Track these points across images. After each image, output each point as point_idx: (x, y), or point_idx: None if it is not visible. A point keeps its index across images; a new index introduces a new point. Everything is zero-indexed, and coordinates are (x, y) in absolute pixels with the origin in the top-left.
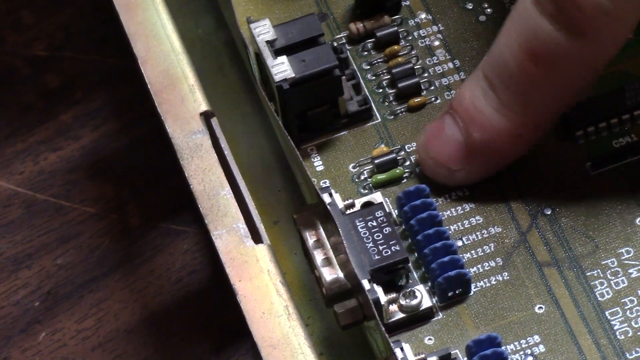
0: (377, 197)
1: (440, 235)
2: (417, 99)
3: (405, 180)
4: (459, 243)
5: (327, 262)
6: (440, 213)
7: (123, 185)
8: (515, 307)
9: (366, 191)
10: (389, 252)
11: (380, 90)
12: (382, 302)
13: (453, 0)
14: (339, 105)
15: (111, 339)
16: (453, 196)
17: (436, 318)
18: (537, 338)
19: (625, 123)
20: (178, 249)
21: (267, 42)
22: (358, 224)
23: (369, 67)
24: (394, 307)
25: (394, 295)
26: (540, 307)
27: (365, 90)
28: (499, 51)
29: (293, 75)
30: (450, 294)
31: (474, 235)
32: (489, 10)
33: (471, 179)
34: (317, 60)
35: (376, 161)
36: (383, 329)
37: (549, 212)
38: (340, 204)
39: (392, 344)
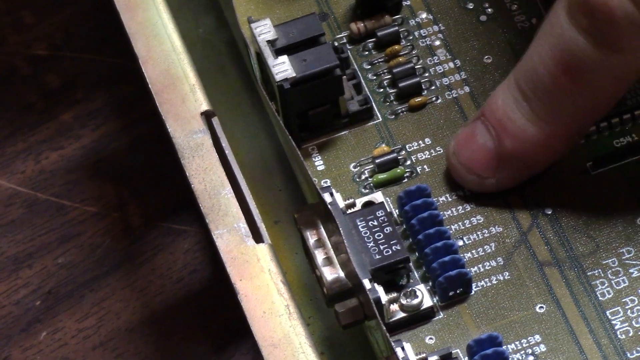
0: (378, 196)
1: (441, 234)
2: (418, 99)
3: (406, 179)
4: (460, 242)
5: (328, 261)
6: (441, 212)
7: (124, 184)
8: (516, 307)
9: (367, 191)
10: (390, 252)
11: (381, 89)
12: (383, 302)
13: (454, 0)
14: (339, 104)
15: (112, 338)
16: (454, 196)
17: (437, 317)
18: (538, 337)
19: (626, 122)
20: (179, 248)
21: (268, 41)
22: (359, 223)
23: (369, 66)
24: (394, 307)
25: (394, 294)
26: (541, 307)
27: (366, 89)
28: (532, 62)
29: (294, 74)
30: (451, 293)
31: (474, 234)
32: (489, 10)
33: (501, 187)
34: (318, 60)
35: (377, 161)
36: (384, 328)
37: (549, 212)
38: (341, 203)
39: (393, 344)
